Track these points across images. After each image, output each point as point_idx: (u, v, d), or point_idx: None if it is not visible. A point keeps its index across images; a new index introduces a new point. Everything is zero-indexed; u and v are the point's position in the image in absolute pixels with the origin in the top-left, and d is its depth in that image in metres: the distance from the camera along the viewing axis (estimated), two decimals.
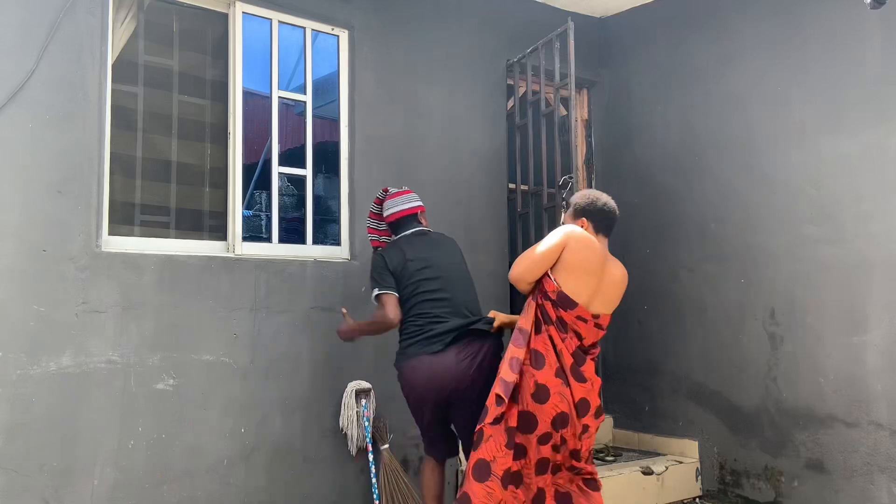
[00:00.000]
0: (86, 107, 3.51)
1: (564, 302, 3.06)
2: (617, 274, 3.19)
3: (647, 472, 4.49)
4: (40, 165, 3.37)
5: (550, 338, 3.05)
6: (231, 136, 4.04)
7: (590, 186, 5.54)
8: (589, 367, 3.11)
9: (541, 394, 3.00)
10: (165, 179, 3.96)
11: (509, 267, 4.86)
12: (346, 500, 4.10)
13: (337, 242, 4.36)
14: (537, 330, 3.09)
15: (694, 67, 4.92)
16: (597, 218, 3.24)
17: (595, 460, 4.67)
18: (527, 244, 4.89)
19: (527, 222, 4.97)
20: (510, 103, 5.15)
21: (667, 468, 4.63)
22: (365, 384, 4.15)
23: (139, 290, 3.57)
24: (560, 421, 3.01)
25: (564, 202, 4.52)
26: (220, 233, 4.03)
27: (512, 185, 5.06)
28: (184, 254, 3.75)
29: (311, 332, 4.06)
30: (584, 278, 3.07)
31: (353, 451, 4.09)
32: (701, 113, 4.87)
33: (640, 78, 5.29)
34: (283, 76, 4.34)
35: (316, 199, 4.42)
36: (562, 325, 3.07)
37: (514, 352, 3.08)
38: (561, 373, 3.03)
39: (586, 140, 5.60)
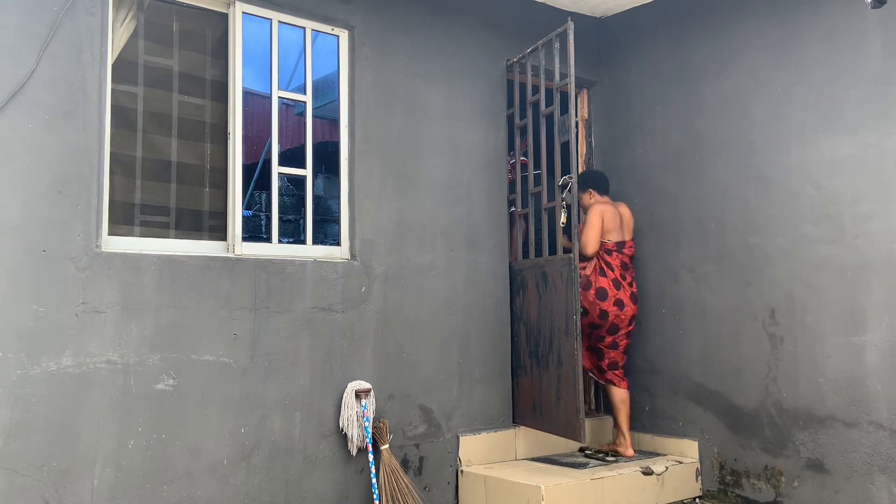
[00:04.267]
0: (86, 107, 3.51)
1: (619, 246, 4.87)
2: (626, 212, 5.04)
3: (647, 472, 4.49)
4: (40, 165, 3.38)
5: (614, 280, 4.82)
6: (231, 136, 4.04)
7: None
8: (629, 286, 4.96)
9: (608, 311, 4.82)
10: (165, 179, 3.96)
11: (509, 266, 4.95)
12: (346, 500, 4.11)
13: (337, 242, 4.36)
14: (602, 274, 4.81)
15: (694, 67, 4.92)
16: (597, 184, 5.00)
17: (595, 460, 4.69)
18: (527, 244, 4.91)
19: (527, 222, 4.97)
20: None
21: (667, 468, 4.62)
22: (365, 384, 4.16)
23: (139, 290, 3.57)
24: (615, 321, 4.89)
25: (564, 202, 4.52)
26: (219, 233, 4.03)
27: None
28: (184, 254, 3.75)
29: (311, 332, 4.06)
30: (616, 230, 4.89)
31: (353, 451, 4.10)
32: (701, 113, 4.87)
33: (639, 78, 5.29)
34: (283, 76, 4.34)
35: (316, 199, 4.43)
36: (623, 266, 4.89)
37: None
38: (619, 301, 4.82)
39: (586, 140, 5.60)
